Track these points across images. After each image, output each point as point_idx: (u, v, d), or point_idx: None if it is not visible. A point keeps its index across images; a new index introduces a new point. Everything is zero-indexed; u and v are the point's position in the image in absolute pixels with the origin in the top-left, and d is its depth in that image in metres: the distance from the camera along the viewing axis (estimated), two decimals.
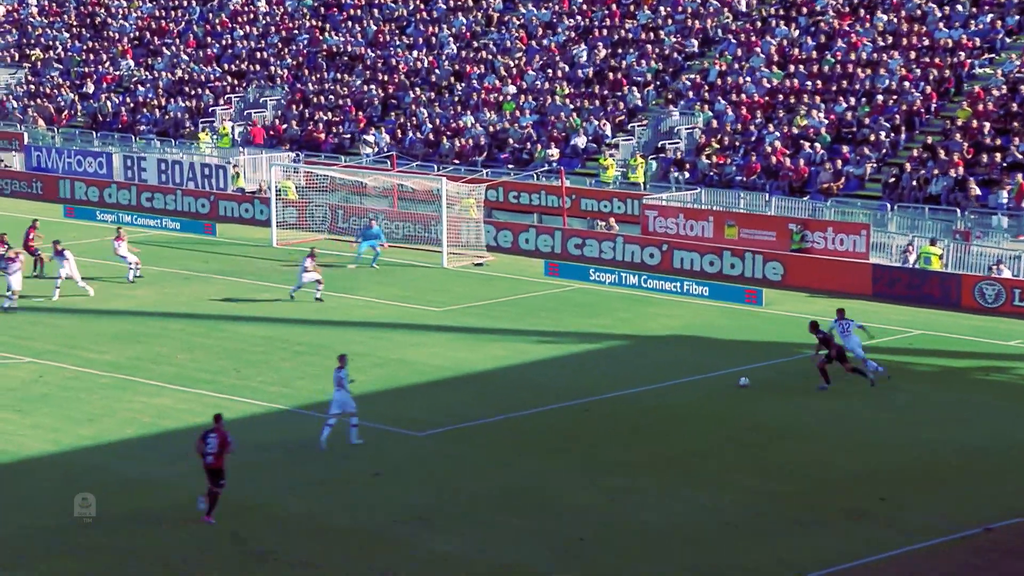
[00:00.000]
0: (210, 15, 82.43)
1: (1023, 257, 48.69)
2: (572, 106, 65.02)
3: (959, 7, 62.52)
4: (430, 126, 66.71)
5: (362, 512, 29.96)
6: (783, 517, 29.67)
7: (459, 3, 75.61)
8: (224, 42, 79.43)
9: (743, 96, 61.75)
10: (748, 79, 62.55)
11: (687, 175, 58.56)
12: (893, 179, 54.39)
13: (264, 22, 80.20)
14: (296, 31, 78.22)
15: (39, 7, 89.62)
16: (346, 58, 74.58)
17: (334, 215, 59.64)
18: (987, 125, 55.29)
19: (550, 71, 67.83)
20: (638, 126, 62.96)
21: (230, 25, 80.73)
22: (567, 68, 67.82)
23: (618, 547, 28.21)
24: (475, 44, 72.17)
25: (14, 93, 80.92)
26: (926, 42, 61.33)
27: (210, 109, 73.76)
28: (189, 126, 72.94)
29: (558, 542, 28.39)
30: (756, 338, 43.76)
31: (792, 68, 62.33)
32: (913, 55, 60.60)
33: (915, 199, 53.35)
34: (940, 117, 57.53)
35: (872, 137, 56.75)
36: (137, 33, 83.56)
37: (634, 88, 64.82)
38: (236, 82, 75.57)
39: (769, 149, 57.65)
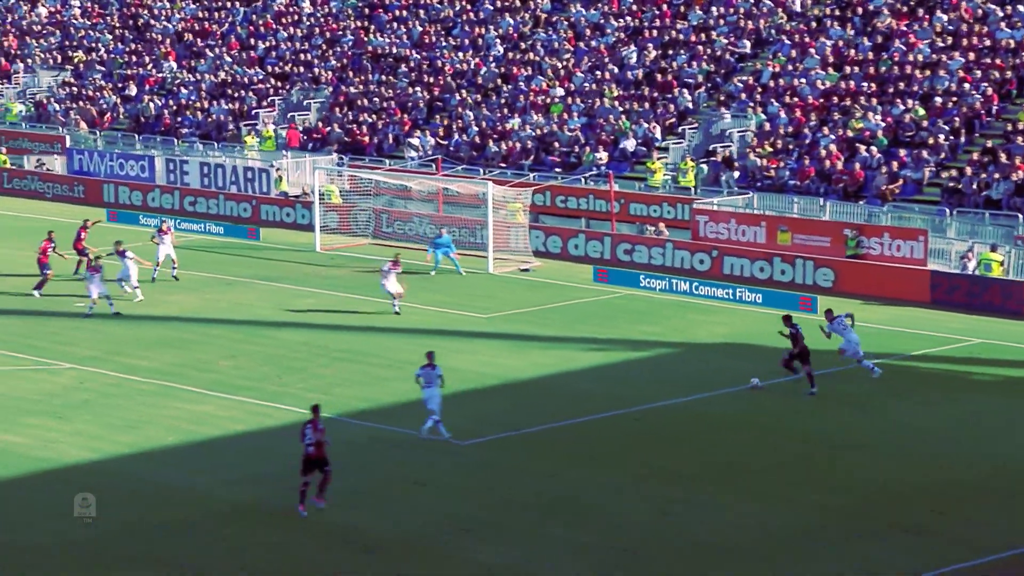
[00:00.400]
0: (254, 16, 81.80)
1: None
2: (621, 108, 64.10)
3: (1021, 7, 61.32)
4: (476, 129, 65.86)
5: (404, 522, 29.59)
6: (838, 531, 29.26)
7: (506, 4, 74.78)
8: (268, 44, 78.81)
9: (797, 98, 60.68)
10: (802, 81, 61.46)
11: (736, 175, 57.52)
12: (952, 183, 53.28)
13: (308, 23, 79.54)
14: (340, 32, 77.52)
15: (82, 9, 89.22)
16: (391, 60, 73.84)
17: (378, 219, 58.98)
18: None
19: (599, 73, 66.88)
20: (689, 129, 61.98)
21: (274, 26, 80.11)
22: (616, 70, 66.86)
23: (668, 560, 27.84)
24: (522, 45, 71.28)
25: (56, 95, 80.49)
26: (987, 42, 60.16)
27: (253, 112, 73.11)
28: (232, 129, 72.31)
29: (607, 555, 27.96)
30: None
31: (848, 70, 61.23)
32: (973, 56, 59.50)
33: (975, 204, 52.35)
34: (1001, 119, 56.58)
35: (931, 140, 55.63)
36: (180, 35, 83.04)
37: (684, 90, 63.82)
38: (280, 84, 74.91)
39: (824, 153, 56.57)
